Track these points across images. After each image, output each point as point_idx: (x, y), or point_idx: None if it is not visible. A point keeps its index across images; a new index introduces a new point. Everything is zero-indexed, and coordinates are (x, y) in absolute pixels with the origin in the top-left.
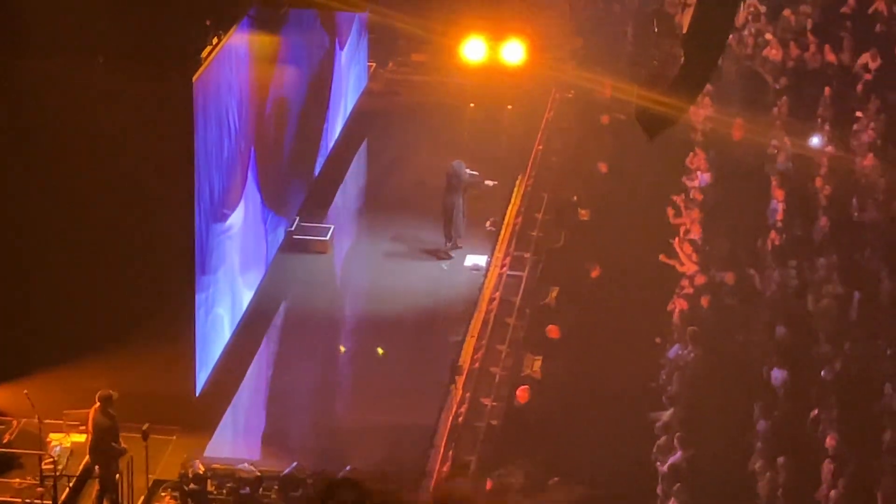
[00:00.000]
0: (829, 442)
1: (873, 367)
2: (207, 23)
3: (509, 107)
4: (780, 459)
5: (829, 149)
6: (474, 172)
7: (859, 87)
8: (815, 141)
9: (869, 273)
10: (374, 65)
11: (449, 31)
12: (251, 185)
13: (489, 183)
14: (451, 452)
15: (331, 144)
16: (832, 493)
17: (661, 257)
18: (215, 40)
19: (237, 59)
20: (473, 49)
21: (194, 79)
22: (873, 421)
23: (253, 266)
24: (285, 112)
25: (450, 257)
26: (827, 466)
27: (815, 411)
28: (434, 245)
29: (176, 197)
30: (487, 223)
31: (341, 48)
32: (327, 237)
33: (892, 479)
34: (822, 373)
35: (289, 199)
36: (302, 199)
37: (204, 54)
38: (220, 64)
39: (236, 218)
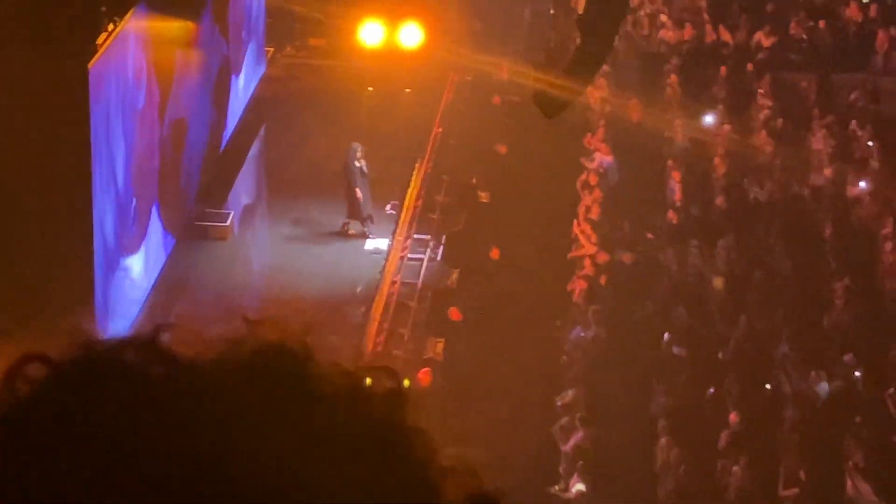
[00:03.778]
0: (732, 418)
1: (772, 345)
2: (103, 9)
3: (407, 90)
4: (681, 438)
5: (726, 128)
6: (361, 163)
7: (753, 66)
8: (711, 120)
9: (766, 251)
10: (271, 50)
11: (346, 14)
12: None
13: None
14: None
15: (230, 132)
16: (734, 468)
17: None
18: (111, 26)
19: (136, 47)
20: (371, 33)
21: (90, 66)
22: (773, 398)
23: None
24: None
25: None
26: (728, 442)
27: (712, 389)
28: (334, 228)
29: (73, 186)
30: (388, 207)
31: (238, 34)
32: (227, 223)
33: (793, 456)
34: (721, 352)
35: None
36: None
37: (99, 41)
38: (120, 53)
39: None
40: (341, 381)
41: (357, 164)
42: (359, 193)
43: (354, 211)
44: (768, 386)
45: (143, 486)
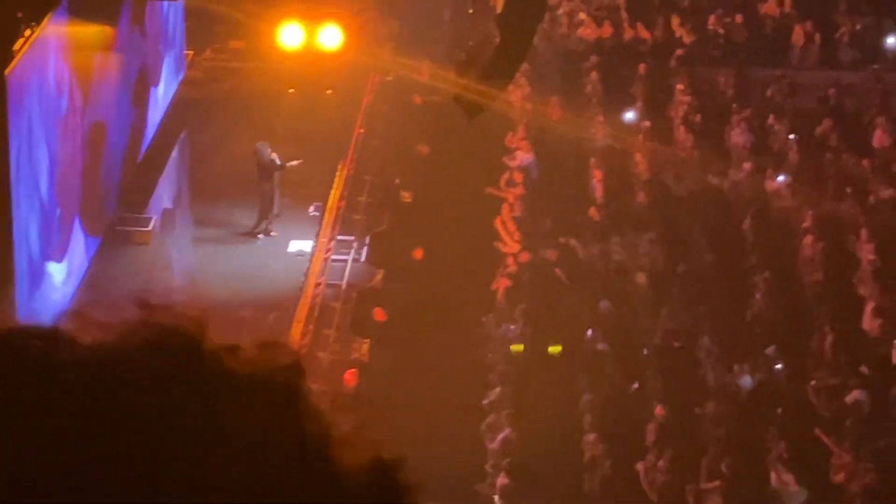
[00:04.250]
0: (658, 412)
1: (695, 339)
2: (19, 14)
3: (329, 91)
4: (607, 433)
5: (645, 124)
6: (273, 156)
7: (672, 63)
8: (631, 117)
9: (687, 246)
10: (191, 53)
11: (266, 16)
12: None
13: (293, 163)
14: None
15: (150, 136)
16: (659, 462)
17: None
18: (28, 32)
19: (56, 54)
20: (290, 34)
21: (7, 72)
22: (697, 391)
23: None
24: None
25: (265, 235)
26: (652, 437)
27: (637, 384)
28: (256, 230)
29: None
30: (311, 208)
31: (156, 37)
32: (149, 228)
33: (717, 449)
34: (645, 347)
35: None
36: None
37: (16, 47)
38: (40, 59)
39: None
40: (235, 356)
41: (272, 161)
42: (271, 192)
43: (264, 210)
44: (693, 379)
45: (49, 464)
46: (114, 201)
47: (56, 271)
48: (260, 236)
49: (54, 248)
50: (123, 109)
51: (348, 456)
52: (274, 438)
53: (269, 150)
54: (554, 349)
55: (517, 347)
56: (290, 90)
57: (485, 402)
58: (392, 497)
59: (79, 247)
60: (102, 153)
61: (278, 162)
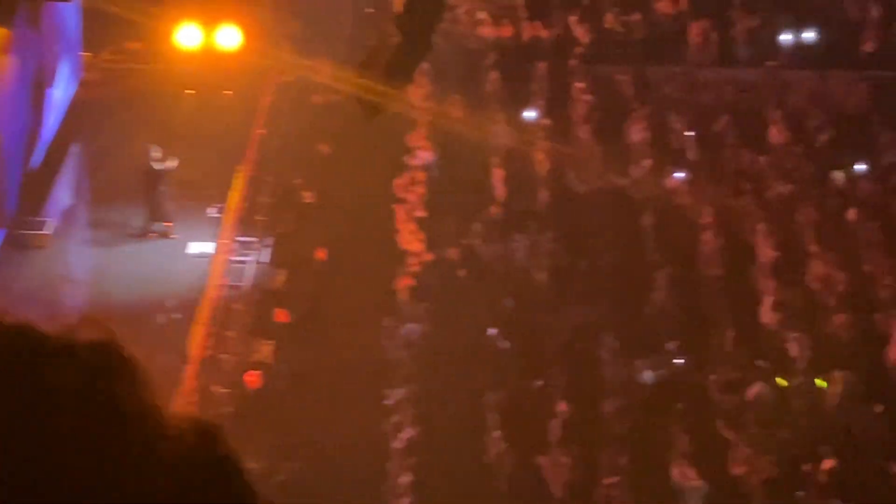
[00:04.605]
0: (561, 408)
1: (596, 336)
2: None
3: (228, 92)
4: (511, 430)
5: (546, 123)
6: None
7: (572, 62)
8: (532, 116)
9: (589, 243)
10: (88, 55)
11: (163, 16)
12: None
13: (170, 165)
14: None
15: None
16: (563, 459)
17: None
18: None
19: None
20: (188, 35)
21: None
22: (599, 387)
23: None
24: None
25: (160, 237)
26: (556, 434)
27: (540, 381)
28: (155, 232)
29: None
30: (212, 210)
31: (52, 39)
32: (46, 231)
33: (619, 445)
34: (547, 344)
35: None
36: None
37: None
38: None
39: None
40: (47, 342)
41: (157, 165)
42: (160, 195)
43: (156, 212)
44: (595, 377)
45: None
46: (12, 205)
47: None
48: (154, 236)
49: None
50: (19, 112)
51: (170, 442)
52: (87, 424)
53: (157, 155)
54: (820, 383)
55: (782, 381)
56: (189, 91)
57: (388, 401)
58: (211, 461)
59: None
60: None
61: (156, 167)
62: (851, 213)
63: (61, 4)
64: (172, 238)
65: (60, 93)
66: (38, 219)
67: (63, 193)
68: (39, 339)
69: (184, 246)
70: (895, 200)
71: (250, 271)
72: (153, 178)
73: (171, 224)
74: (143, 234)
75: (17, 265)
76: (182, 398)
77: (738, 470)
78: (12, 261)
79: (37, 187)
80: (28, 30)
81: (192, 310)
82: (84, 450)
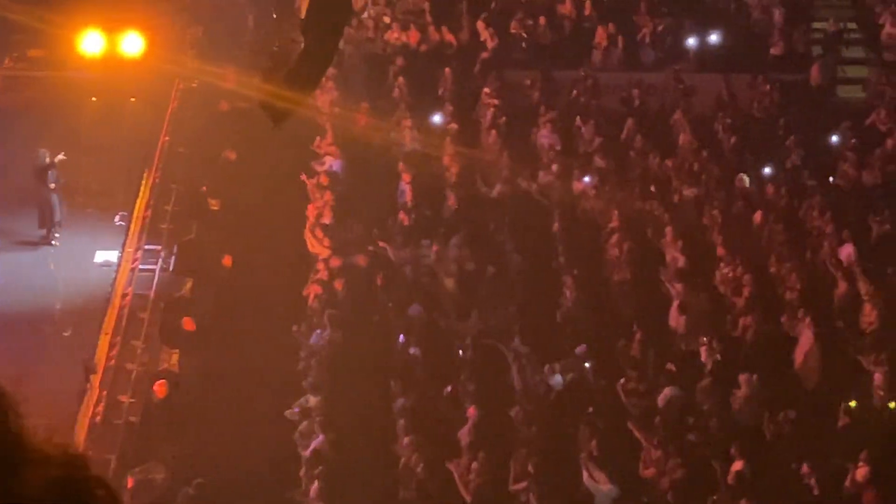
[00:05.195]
0: (471, 413)
1: (505, 340)
2: None
3: (133, 99)
4: (421, 437)
5: (453, 127)
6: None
7: (478, 66)
8: (439, 120)
9: (497, 247)
10: None
11: (66, 23)
12: None
13: (58, 158)
14: (89, 452)
15: None
16: (473, 465)
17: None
18: None
19: None
20: (91, 42)
21: None
22: (509, 392)
23: None
24: None
25: (51, 244)
26: (466, 439)
27: (450, 387)
28: (58, 241)
29: None
30: (116, 217)
31: None
32: None
33: (528, 450)
34: (458, 348)
35: None
36: None
37: None
38: None
39: None
40: None
41: (48, 170)
42: (50, 200)
43: (46, 218)
44: (503, 381)
45: None
46: None
47: None
48: (53, 243)
49: None
50: None
51: (33, 476)
52: None
53: (49, 159)
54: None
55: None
56: (93, 98)
57: (296, 409)
58: (77, 485)
59: None
60: None
61: (46, 160)
62: (758, 216)
63: None
64: (54, 244)
65: None
66: None
67: None
68: None
69: (91, 255)
70: (801, 203)
71: (156, 280)
72: (42, 174)
73: (59, 223)
74: (48, 240)
75: None
76: (87, 408)
77: (647, 472)
78: None
79: None
80: None
81: (98, 319)
82: None
